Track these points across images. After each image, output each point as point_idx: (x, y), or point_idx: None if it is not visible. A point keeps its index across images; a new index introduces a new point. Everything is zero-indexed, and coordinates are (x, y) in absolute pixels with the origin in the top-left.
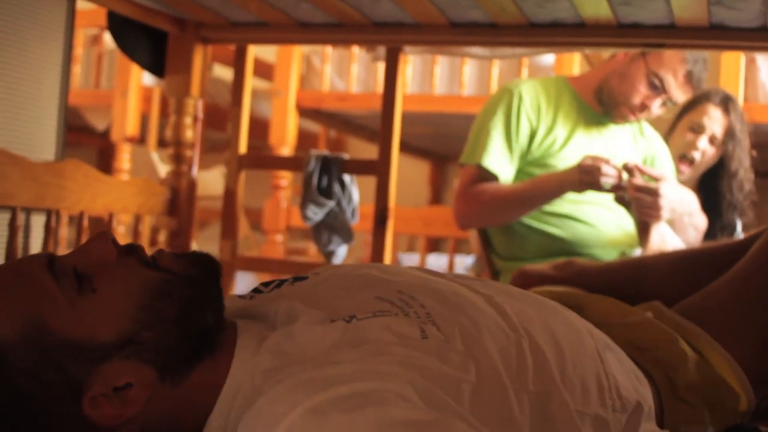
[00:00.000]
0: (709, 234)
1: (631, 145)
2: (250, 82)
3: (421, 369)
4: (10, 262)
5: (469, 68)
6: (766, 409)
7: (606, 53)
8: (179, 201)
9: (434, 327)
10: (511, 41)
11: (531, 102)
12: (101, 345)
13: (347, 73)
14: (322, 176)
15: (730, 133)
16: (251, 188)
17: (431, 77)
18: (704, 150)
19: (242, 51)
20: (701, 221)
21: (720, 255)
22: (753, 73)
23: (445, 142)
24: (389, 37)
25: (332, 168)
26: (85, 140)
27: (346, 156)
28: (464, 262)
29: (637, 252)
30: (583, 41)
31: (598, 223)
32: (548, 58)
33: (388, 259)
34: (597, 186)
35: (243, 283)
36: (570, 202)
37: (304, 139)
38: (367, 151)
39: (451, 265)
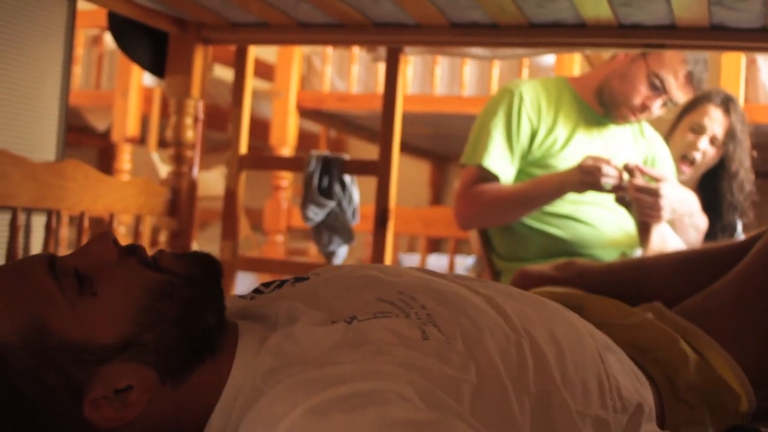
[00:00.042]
0: (710, 234)
1: (632, 145)
2: (251, 82)
3: (422, 370)
4: (10, 263)
5: (469, 69)
6: (766, 410)
7: (606, 54)
8: (180, 201)
9: (435, 328)
10: (512, 42)
11: (532, 102)
12: (102, 347)
13: (348, 73)
14: (323, 177)
15: (730, 133)
16: (252, 189)
17: (432, 78)
18: (705, 151)
19: (243, 51)
20: (702, 222)
21: (721, 256)
22: (753, 73)
23: (445, 143)
24: (390, 37)
25: (333, 168)
26: (85, 141)
27: (346, 156)
28: (465, 263)
29: (638, 252)
30: (583, 42)
31: (599, 223)
32: (549, 59)
33: (388, 259)
34: (598, 186)
35: (244, 283)
36: (571, 203)
37: (305, 140)
38: (368, 151)
39: (451, 265)
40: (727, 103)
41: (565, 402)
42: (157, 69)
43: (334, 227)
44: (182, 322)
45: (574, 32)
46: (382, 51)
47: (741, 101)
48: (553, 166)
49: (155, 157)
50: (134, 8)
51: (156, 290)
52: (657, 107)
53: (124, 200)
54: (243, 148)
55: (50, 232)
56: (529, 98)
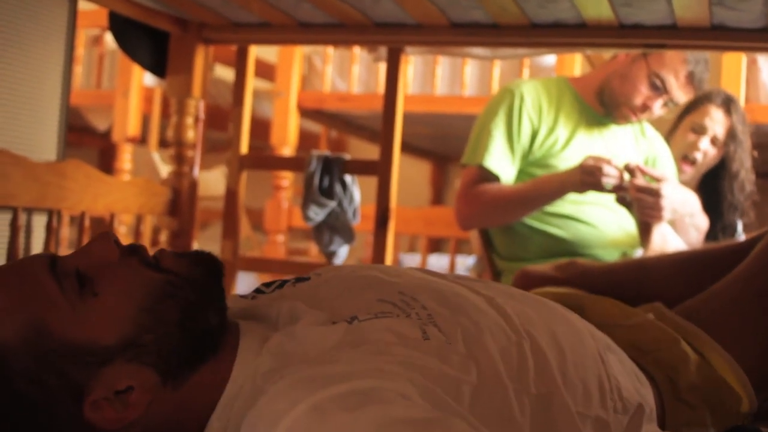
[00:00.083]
0: (710, 235)
1: (633, 145)
2: (252, 82)
3: (422, 369)
4: (11, 263)
5: (470, 69)
6: (767, 410)
7: (607, 54)
8: (180, 201)
9: (436, 328)
10: (513, 42)
11: (532, 102)
12: (103, 348)
13: (348, 73)
14: (324, 176)
15: (731, 134)
16: (252, 188)
17: (432, 78)
18: (706, 151)
19: (243, 51)
20: (703, 222)
21: (721, 257)
22: (754, 73)
23: (446, 143)
24: (390, 37)
25: (333, 168)
26: (86, 140)
27: (347, 156)
28: (465, 263)
29: (639, 252)
30: (584, 42)
31: (600, 223)
32: (549, 59)
33: (389, 259)
34: (598, 186)
35: (244, 283)
36: (571, 203)
37: (306, 140)
38: (369, 151)
39: (452, 265)
40: (728, 104)
41: (565, 403)
42: (157, 69)
43: (335, 227)
44: (184, 322)
45: (575, 32)
46: (383, 51)
47: (741, 101)
48: (554, 166)
49: (156, 156)
50: (135, 8)
51: (157, 291)
52: (658, 107)
53: (125, 200)
54: (244, 147)
55: (51, 231)
56: (530, 98)
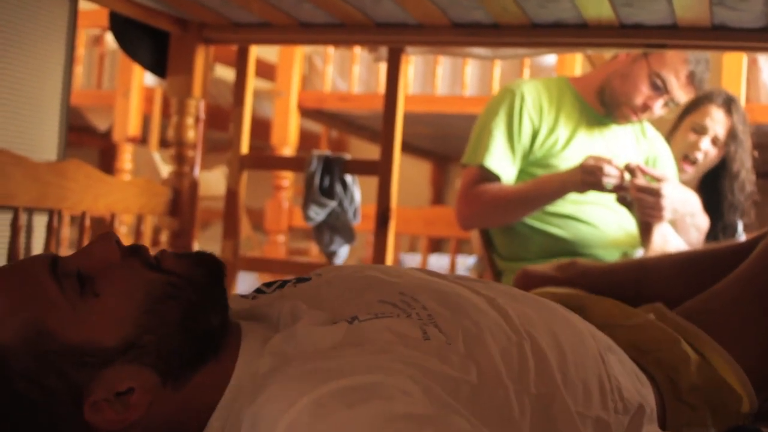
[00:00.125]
0: (710, 235)
1: (633, 145)
2: (252, 82)
3: (422, 368)
4: (12, 263)
5: (471, 69)
6: (767, 410)
7: (608, 54)
8: (181, 201)
9: (436, 328)
10: (513, 42)
11: (533, 102)
12: (103, 350)
13: (349, 73)
14: (324, 176)
15: (732, 134)
16: (253, 188)
17: (433, 78)
18: (707, 151)
19: (244, 51)
20: (703, 222)
21: (722, 257)
22: (755, 73)
23: (446, 143)
24: (391, 37)
25: (334, 168)
26: (86, 140)
27: (347, 156)
28: (466, 263)
29: (639, 252)
30: (585, 42)
31: (600, 223)
32: (550, 59)
33: (389, 259)
34: (599, 186)
35: (245, 283)
36: (572, 203)
37: (306, 140)
38: (369, 151)
39: (452, 265)
40: (729, 104)
41: (565, 403)
42: (158, 69)
43: (336, 227)
44: (185, 324)
45: (575, 32)
46: (384, 51)
47: (742, 101)
48: (555, 166)
49: (156, 156)
50: (135, 8)
51: (158, 292)
52: (658, 107)
53: (126, 200)
54: (244, 147)
55: (51, 231)
56: (531, 98)
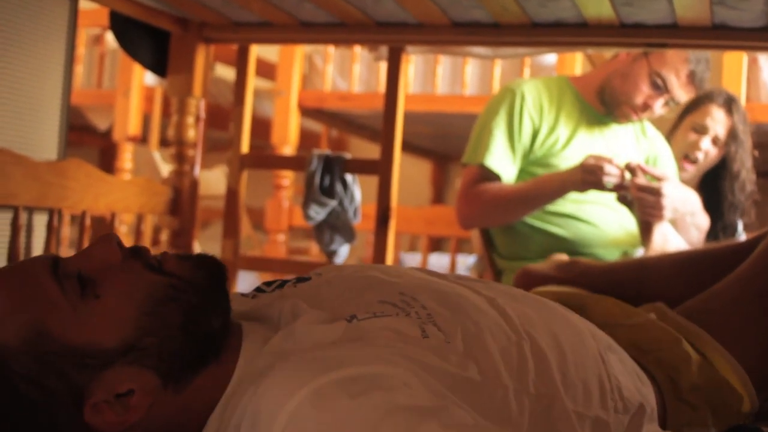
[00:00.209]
0: (711, 234)
1: (634, 144)
2: (252, 81)
3: (421, 363)
4: (13, 264)
5: (471, 68)
6: None
7: (608, 53)
8: (181, 200)
9: (435, 327)
10: (514, 41)
11: (533, 101)
12: (104, 351)
13: (349, 72)
14: (325, 176)
15: (732, 133)
16: (253, 188)
17: (433, 77)
18: (707, 151)
19: (244, 51)
20: (703, 221)
21: (723, 257)
22: (755, 73)
23: (447, 142)
24: (391, 36)
25: (334, 167)
26: (87, 140)
27: (348, 155)
28: (466, 262)
29: (640, 252)
30: (585, 41)
31: (601, 222)
32: (550, 58)
33: (390, 258)
34: (599, 185)
35: (245, 282)
36: (572, 202)
37: (306, 139)
38: (369, 150)
39: (453, 264)
40: (729, 103)
41: (564, 403)
42: (158, 68)
43: (336, 226)
44: (186, 326)
45: (575, 31)
46: (384, 50)
47: (742, 100)
48: (555, 165)
49: (157, 156)
50: (136, 7)
51: (159, 294)
52: (659, 106)
53: (126, 199)
54: (244, 147)
55: (52, 231)
56: (531, 97)
